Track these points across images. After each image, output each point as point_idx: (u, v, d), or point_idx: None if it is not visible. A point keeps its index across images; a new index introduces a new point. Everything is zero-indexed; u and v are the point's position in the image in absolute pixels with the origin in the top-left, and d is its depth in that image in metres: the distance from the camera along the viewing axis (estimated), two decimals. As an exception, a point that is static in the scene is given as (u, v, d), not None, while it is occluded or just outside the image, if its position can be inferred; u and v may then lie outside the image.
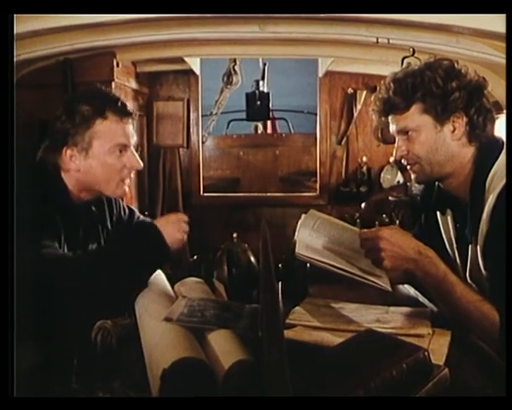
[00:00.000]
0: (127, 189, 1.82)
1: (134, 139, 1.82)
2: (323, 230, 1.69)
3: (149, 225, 1.66)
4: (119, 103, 1.76)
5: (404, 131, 1.65)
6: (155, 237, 1.57)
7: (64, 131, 1.70)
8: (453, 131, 1.60)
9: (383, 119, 1.71)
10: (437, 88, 1.57)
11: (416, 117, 1.61)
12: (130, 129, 1.80)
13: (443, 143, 1.61)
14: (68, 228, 1.70)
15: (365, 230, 1.61)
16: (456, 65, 1.61)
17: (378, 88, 1.70)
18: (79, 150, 1.70)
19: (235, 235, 1.90)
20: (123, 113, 1.76)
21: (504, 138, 1.61)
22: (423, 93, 1.59)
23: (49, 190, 1.68)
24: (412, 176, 1.72)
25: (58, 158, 1.72)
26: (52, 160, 1.73)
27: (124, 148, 1.75)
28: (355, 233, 1.69)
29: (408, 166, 1.71)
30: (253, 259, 1.84)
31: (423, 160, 1.63)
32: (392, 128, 1.69)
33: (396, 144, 1.70)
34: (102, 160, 1.72)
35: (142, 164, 1.82)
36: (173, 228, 1.61)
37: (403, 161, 1.70)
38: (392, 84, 1.64)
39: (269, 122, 6.68)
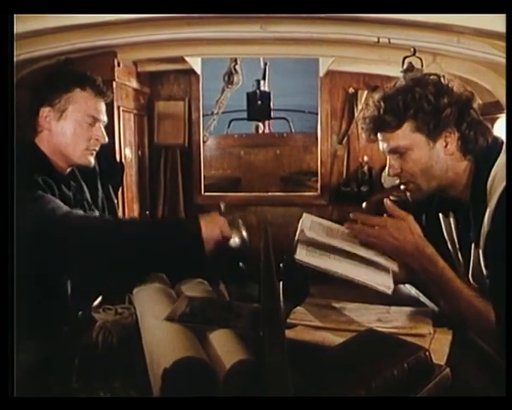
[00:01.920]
0: (93, 160, 1.97)
1: (105, 117, 2.00)
2: (321, 231, 1.69)
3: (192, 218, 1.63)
4: (98, 82, 1.97)
5: (395, 151, 1.64)
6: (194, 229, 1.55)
7: (43, 94, 1.91)
8: (446, 146, 1.60)
9: (372, 137, 1.70)
10: (429, 105, 1.57)
11: (407, 135, 1.60)
12: (103, 107, 1.99)
13: (437, 158, 1.61)
14: (56, 192, 1.78)
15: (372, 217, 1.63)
16: (442, 80, 1.61)
17: (365, 106, 1.70)
18: (55, 111, 1.89)
19: (222, 206, 1.83)
20: (99, 91, 1.96)
21: (504, 138, 1.61)
22: (415, 110, 1.58)
23: (28, 156, 1.78)
24: (408, 194, 1.71)
25: (33, 120, 1.90)
26: (28, 124, 1.90)
27: (94, 120, 1.93)
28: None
29: (402, 186, 1.70)
30: (244, 233, 1.78)
31: (419, 177, 1.63)
32: (383, 146, 1.67)
33: (388, 163, 1.69)
34: (73, 124, 1.90)
35: (107, 139, 1.99)
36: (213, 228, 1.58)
37: (396, 180, 1.70)
38: (382, 103, 1.62)
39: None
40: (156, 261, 1.56)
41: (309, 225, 1.70)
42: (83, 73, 1.99)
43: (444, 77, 1.62)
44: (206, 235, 1.53)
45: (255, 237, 1.73)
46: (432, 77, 1.62)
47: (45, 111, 1.89)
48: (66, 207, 1.66)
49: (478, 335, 1.44)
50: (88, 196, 2.02)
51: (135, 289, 1.65)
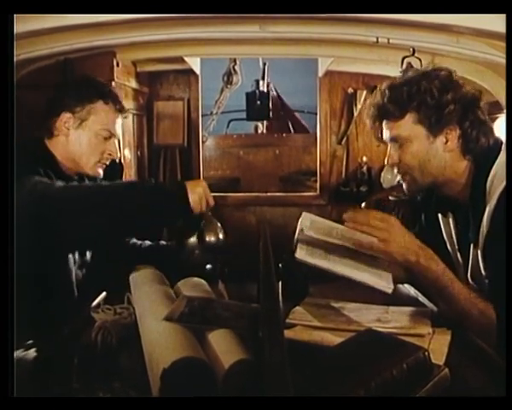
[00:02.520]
0: (102, 173, 1.97)
1: (119, 134, 2.03)
2: (321, 230, 1.69)
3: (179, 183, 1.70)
4: (120, 99, 2.00)
5: (395, 140, 1.64)
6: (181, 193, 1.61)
7: (66, 99, 1.91)
8: (446, 143, 1.60)
9: (377, 124, 1.70)
10: (432, 99, 1.57)
11: (409, 126, 1.60)
12: (120, 124, 2.01)
13: (435, 154, 1.60)
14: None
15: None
16: (453, 75, 1.61)
17: (373, 93, 1.70)
18: (75, 118, 1.89)
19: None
20: (120, 107, 1.98)
21: (503, 138, 1.61)
22: (418, 103, 1.58)
23: (38, 157, 1.81)
24: (404, 185, 1.71)
25: (49, 123, 1.90)
26: (43, 125, 1.91)
27: (110, 135, 1.94)
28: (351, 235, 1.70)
29: (399, 176, 1.71)
30: (221, 235, 1.84)
31: (415, 170, 1.63)
32: (386, 135, 1.68)
33: (388, 152, 1.69)
34: (91, 135, 1.90)
35: (119, 154, 2.03)
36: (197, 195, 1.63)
37: (394, 169, 1.70)
38: (387, 91, 1.63)
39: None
40: (144, 223, 1.62)
41: (308, 223, 1.70)
42: (107, 86, 2.02)
43: (455, 72, 1.62)
44: (191, 196, 1.59)
45: (254, 236, 1.73)
46: (442, 72, 1.61)
47: (65, 117, 1.89)
48: (56, 182, 1.67)
49: (479, 336, 1.43)
50: None
51: (131, 275, 1.71)
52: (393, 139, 1.65)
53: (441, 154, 1.60)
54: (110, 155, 1.95)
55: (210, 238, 1.79)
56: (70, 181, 1.87)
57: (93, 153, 1.91)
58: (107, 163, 1.97)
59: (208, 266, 1.86)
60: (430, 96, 1.57)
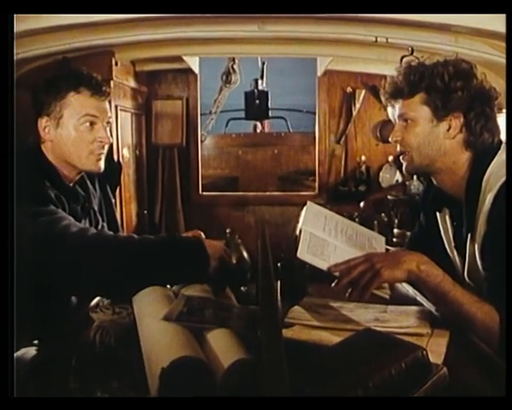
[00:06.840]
0: (102, 165, 1.89)
1: (107, 116, 1.90)
2: (324, 224, 1.69)
3: (196, 241, 1.69)
4: (94, 81, 1.87)
5: (403, 118, 1.66)
6: (200, 251, 1.61)
7: (40, 103, 1.84)
8: (448, 130, 1.61)
9: (389, 102, 1.71)
10: (441, 83, 1.58)
11: (416, 106, 1.63)
12: (103, 105, 1.89)
13: (436, 138, 1.62)
14: (61, 204, 1.75)
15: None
16: (473, 69, 1.62)
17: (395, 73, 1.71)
18: (51, 120, 1.83)
19: (228, 230, 1.90)
20: (96, 89, 1.86)
21: (503, 138, 1.61)
22: (427, 84, 1.60)
23: (34, 165, 1.78)
24: (403, 164, 1.73)
25: (36, 131, 1.85)
26: (33, 134, 1.86)
27: (94, 120, 1.85)
28: (354, 227, 1.71)
29: (401, 156, 1.72)
30: (245, 254, 1.84)
31: (414, 150, 1.65)
32: (395, 112, 1.70)
33: (395, 128, 1.71)
34: (72, 130, 1.82)
35: (111, 139, 1.91)
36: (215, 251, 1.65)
37: (398, 147, 1.71)
38: (403, 70, 1.65)
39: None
40: (164, 278, 1.60)
41: (314, 211, 1.70)
42: (78, 73, 1.89)
43: (475, 67, 1.63)
44: (211, 253, 1.60)
45: (253, 236, 1.73)
46: (463, 63, 1.63)
47: (43, 121, 1.83)
48: (79, 225, 1.67)
49: (484, 340, 1.42)
50: (95, 202, 1.99)
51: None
52: (401, 116, 1.67)
53: (441, 139, 1.62)
54: (101, 141, 1.85)
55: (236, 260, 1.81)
56: (69, 190, 1.85)
57: (81, 146, 1.83)
58: (103, 152, 1.88)
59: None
60: (440, 80, 1.59)
